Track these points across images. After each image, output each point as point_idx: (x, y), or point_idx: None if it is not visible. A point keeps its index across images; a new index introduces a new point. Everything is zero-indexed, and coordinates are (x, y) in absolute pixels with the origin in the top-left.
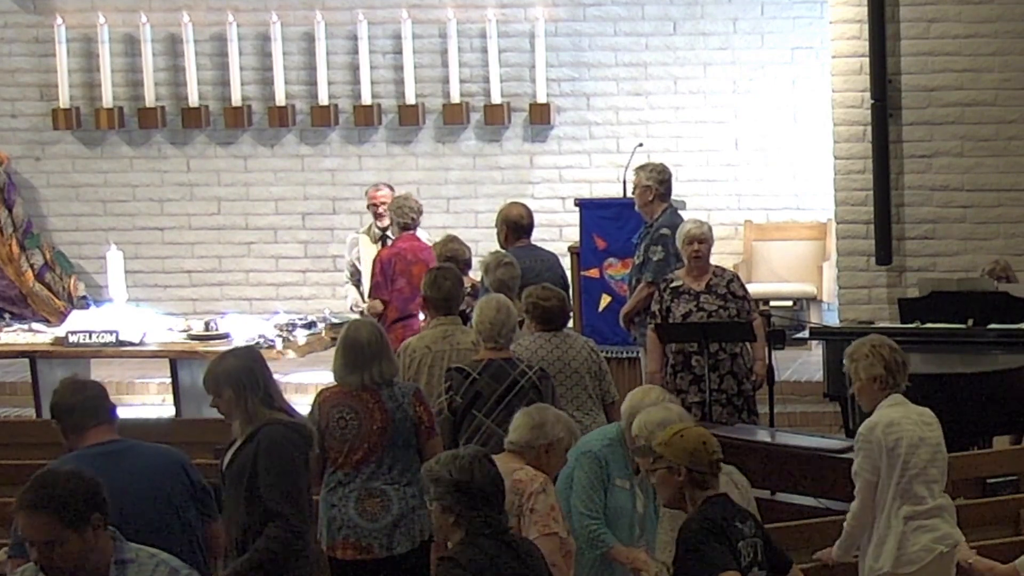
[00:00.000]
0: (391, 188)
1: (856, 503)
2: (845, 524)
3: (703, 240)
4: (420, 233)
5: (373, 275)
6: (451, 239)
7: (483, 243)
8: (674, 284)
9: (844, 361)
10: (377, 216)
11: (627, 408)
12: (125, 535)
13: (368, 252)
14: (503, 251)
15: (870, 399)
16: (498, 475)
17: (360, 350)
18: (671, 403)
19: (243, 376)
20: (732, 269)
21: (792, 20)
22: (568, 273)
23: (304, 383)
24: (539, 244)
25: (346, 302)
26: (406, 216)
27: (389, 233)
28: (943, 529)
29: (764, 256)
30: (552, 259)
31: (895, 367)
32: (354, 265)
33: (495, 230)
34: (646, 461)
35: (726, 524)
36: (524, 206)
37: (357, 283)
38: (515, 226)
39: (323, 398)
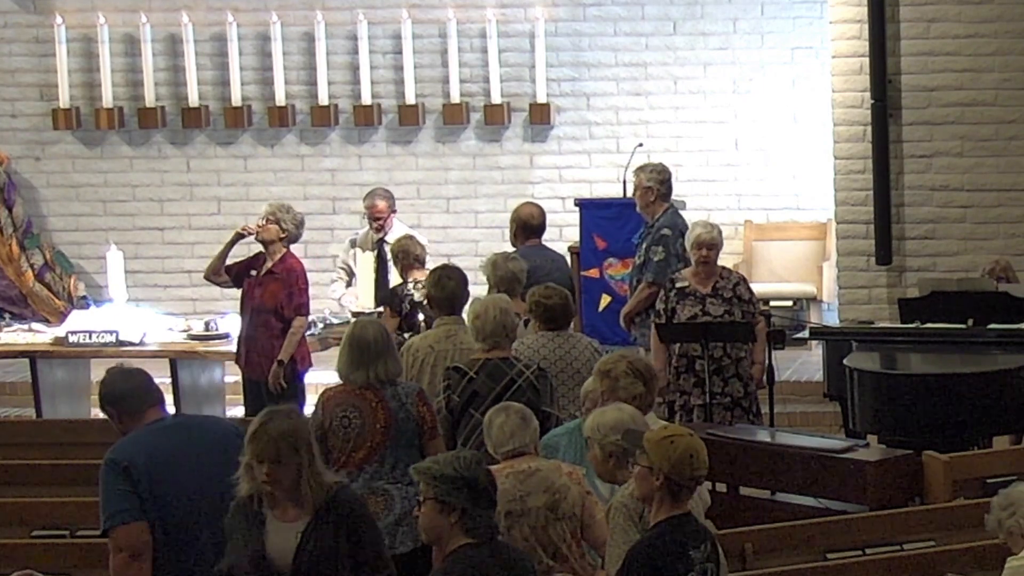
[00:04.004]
0: (385, 198)
1: None
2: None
3: (712, 246)
4: (417, 233)
5: (302, 290)
6: (407, 237)
7: (483, 243)
8: (680, 285)
9: (592, 379)
10: (378, 229)
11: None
12: (200, 500)
13: (363, 258)
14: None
15: None
16: (495, 480)
17: (366, 348)
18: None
19: (308, 435)
20: (736, 271)
21: (792, 20)
22: None
23: (304, 383)
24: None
25: (334, 293)
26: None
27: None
28: None
29: (764, 256)
30: (560, 259)
31: (653, 384)
32: (347, 264)
33: (496, 230)
34: (608, 464)
35: (677, 554)
36: (537, 206)
37: (348, 284)
38: (525, 225)
39: (327, 397)
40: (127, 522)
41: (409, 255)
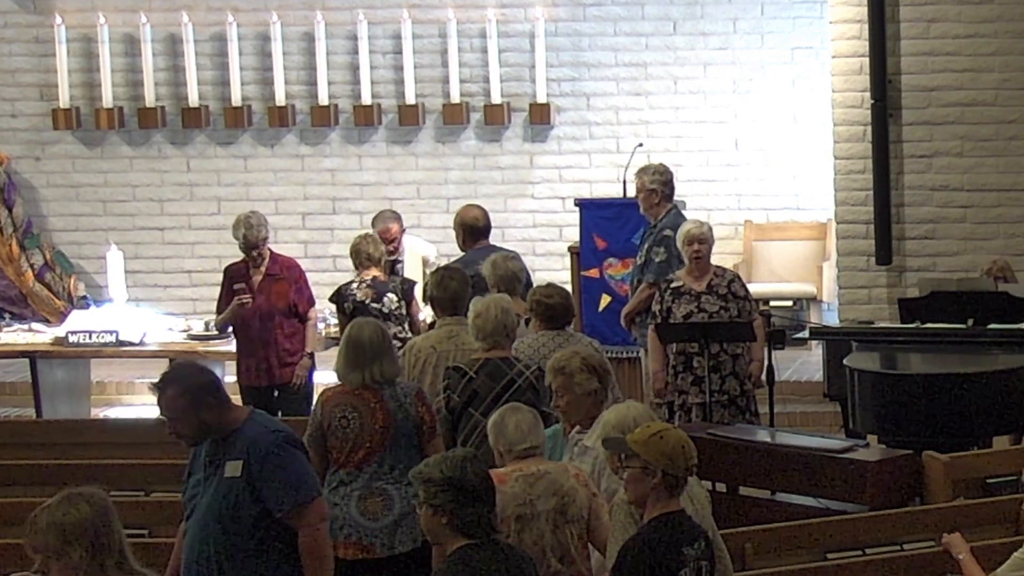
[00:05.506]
0: (396, 220)
1: None
2: None
3: (703, 240)
4: (414, 237)
5: (307, 282)
6: (361, 236)
7: None
8: (675, 284)
9: (548, 376)
10: (391, 252)
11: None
12: None
13: None
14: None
15: (582, 414)
16: (489, 476)
17: (362, 348)
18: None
19: (97, 531)
20: (732, 269)
21: (792, 20)
22: (568, 273)
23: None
24: (538, 244)
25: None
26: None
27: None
28: None
29: (764, 256)
30: None
31: (607, 380)
32: None
33: (496, 230)
34: (613, 460)
35: (670, 550)
36: (480, 208)
37: None
38: (472, 229)
39: (326, 397)
40: (320, 494)
41: (360, 254)
